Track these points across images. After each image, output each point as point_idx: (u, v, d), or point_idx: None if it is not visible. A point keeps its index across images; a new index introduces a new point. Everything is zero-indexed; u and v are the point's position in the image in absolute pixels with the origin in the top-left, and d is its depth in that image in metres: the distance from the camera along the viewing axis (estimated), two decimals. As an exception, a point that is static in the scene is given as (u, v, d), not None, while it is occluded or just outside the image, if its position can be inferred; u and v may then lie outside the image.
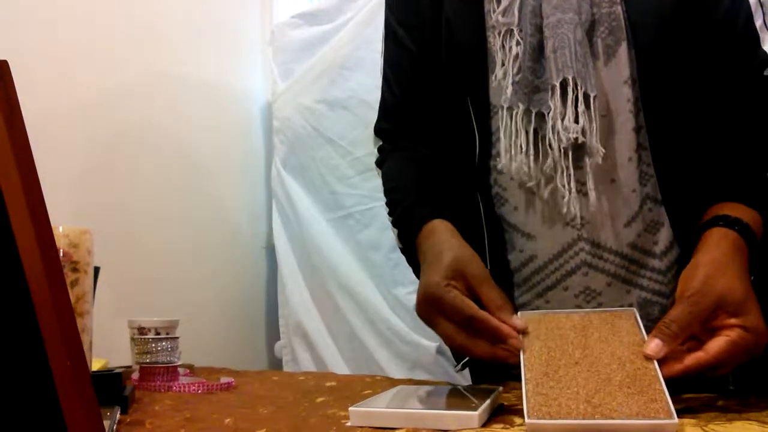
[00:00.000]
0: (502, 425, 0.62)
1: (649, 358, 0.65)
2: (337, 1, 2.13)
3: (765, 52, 0.86)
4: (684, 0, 0.83)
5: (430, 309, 0.76)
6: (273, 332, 2.19)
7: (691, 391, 0.76)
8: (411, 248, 0.87)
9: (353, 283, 1.96)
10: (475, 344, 0.73)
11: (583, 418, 0.58)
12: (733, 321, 0.68)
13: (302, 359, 2.08)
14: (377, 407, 0.65)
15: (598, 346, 0.69)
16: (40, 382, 0.42)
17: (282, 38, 2.24)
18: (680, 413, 0.63)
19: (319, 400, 0.84)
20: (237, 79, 2.20)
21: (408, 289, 1.81)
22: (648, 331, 0.69)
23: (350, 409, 0.65)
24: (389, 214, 0.95)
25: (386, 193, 0.96)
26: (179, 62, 1.93)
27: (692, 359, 0.66)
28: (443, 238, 0.81)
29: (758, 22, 0.86)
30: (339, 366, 1.97)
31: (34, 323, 0.42)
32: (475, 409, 0.61)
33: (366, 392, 0.89)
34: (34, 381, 0.42)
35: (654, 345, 0.66)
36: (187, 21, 1.97)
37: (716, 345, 0.67)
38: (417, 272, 0.87)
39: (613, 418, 0.57)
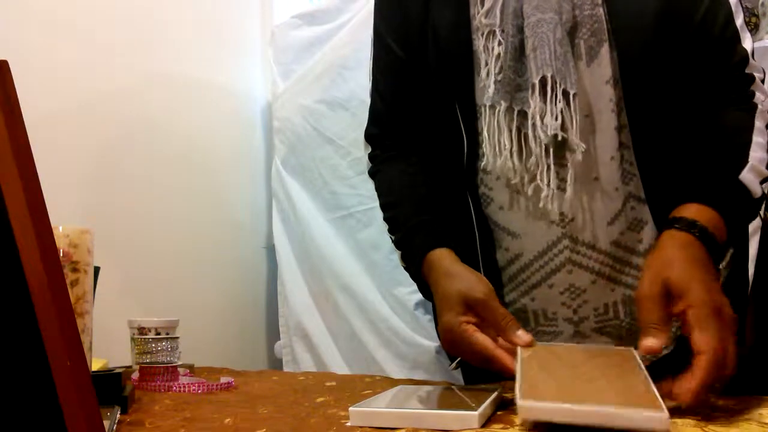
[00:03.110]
0: (501, 425, 0.62)
1: (651, 353, 0.66)
2: (337, 1, 2.13)
3: (744, 49, 0.87)
4: (665, 2, 0.84)
5: (453, 348, 0.81)
6: (273, 332, 2.19)
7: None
8: (415, 271, 0.90)
9: (353, 283, 1.96)
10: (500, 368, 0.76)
11: (575, 403, 0.57)
12: (681, 305, 0.69)
13: (302, 359, 2.08)
14: (377, 407, 0.65)
15: (595, 368, 0.69)
16: (40, 382, 0.42)
17: (282, 38, 2.24)
18: (680, 413, 0.63)
19: (319, 400, 0.84)
20: (237, 80, 2.20)
21: (408, 289, 1.81)
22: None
23: (350, 409, 0.65)
24: (389, 231, 0.96)
25: (382, 207, 0.98)
26: (179, 62, 1.93)
27: (698, 363, 0.65)
28: (446, 270, 0.84)
29: (739, 21, 0.87)
30: (339, 366, 1.97)
31: (34, 323, 0.42)
32: (475, 409, 0.61)
33: (366, 392, 0.89)
34: (34, 381, 0.42)
35: (648, 340, 0.68)
36: (187, 21, 1.97)
37: (696, 340, 0.67)
38: (422, 290, 0.93)
39: (605, 404, 0.56)
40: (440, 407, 0.65)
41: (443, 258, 0.86)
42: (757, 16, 2.17)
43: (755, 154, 0.82)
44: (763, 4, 2.16)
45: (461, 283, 0.80)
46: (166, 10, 1.88)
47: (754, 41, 2.29)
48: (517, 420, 0.64)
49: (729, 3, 0.87)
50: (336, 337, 2.02)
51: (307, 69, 2.15)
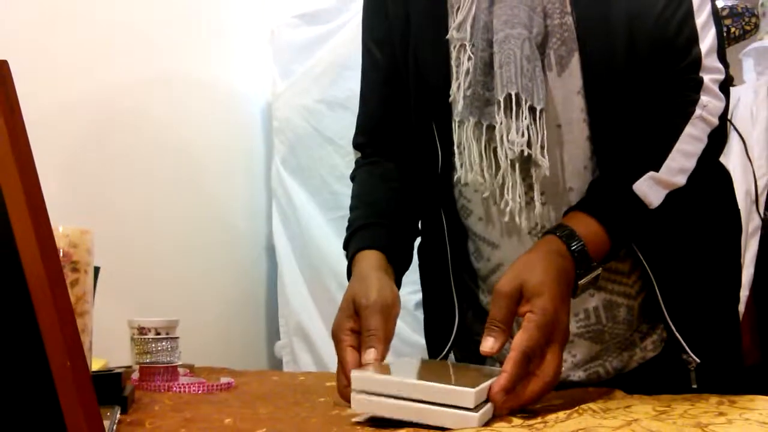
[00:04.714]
0: (505, 423, 0.62)
1: (487, 355, 0.70)
2: (336, 1, 2.13)
3: (699, 50, 0.84)
4: (629, 7, 0.83)
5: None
6: (273, 332, 2.19)
7: (657, 392, 0.77)
8: (347, 271, 0.91)
9: (353, 284, 1.95)
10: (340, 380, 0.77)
11: (399, 376, 0.64)
12: (525, 307, 0.71)
13: (302, 359, 2.08)
14: (378, 394, 0.64)
15: (445, 369, 0.79)
16: (40, 382, 0.41)
17: (282, 38, 2.24)
18: (680, 416, 0.63)
19: (320, 400, 0.84)
20: (237, 79, 2.19)
21: (408, 289, 1.79)
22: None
23: (353, 395, 0.65)
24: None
25: (350, 210, 0.98)
26: (179, 62, 1.93)
27: (508, 360, 0.68)
28: (359, 272, 0.86)
29: (702, 17, 0.84)
30: (339, 366, 1.96)
31: (33, 323, 0.42)
32: (476, 411, 0.61)
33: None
34: (33, 381, 0.42)
35: (488, 342, 0.70)
36: (186, 21, 1.97)
37: (516, 338, 0.69)
38: None
39: (422, 380, 0.63)
40: (442, 400, 0.64)
41: (364, 260, 0.87)
42: (756, 16, 2.17)
43: (672, 163, 0.80)
44: (763, 4, 2.15)
45: (359, 286, 0.82)
46: (165, 10, 1.88)
47: (754, 41, 2.28)
48: (516, 420, 0.64)
49: (690, 1, 0.84)
50: (336, 337, 2.02)
51: (307, 69, 2.15)
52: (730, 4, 2.19)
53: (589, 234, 0.78)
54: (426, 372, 0.76)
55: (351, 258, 0.89)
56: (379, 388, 0.64)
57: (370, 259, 0.87)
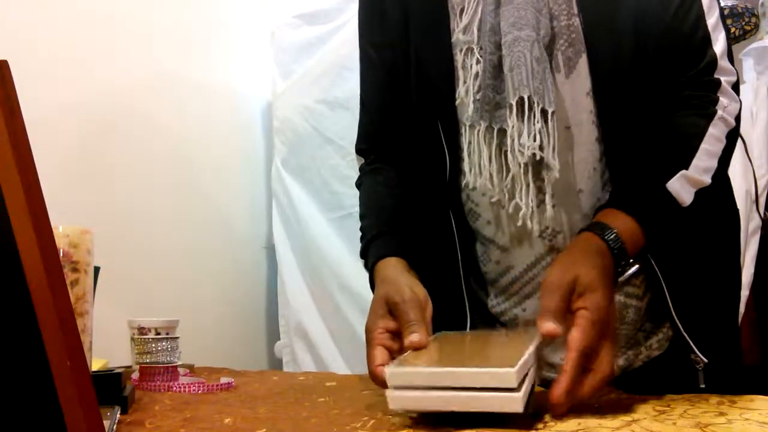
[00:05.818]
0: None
1: (551, 336, 0.68)
2: (337, 1, 2.13)
3: (714, 52, 0.84)
4: (637, 8, 0.83)
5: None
6: (273, 332, 2.19)
7: (665, 392, 0.76)
8: (369, 280, 0.91)
9: (353, 283, 1.96)
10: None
11: (429, 366, 0.62)
12: (579, 303, 0.70)
13: (302, 359, 2.08)
14: (415, 388, 0.62)
15: (484, 343, 0.76)
16: (40, 382, 0.42)
17: (282, 38, 2.24)
18: (680, 416, 0.63)
19: (320, 400, 0.84)
20: (237, 80, 2.20)
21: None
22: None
23: (387, 393, 0.62)
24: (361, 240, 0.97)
25: (360, 218, 0.98)
26: (179, 62, 1.93)
27: (567, 361, 0.66)
28: (383, 277, 0.85)
29: (712, 20, 0.85)
30: (339, 366, 1.97)
31: (33, 323, 0.42)
32: (519, 389, 0.59)
33: (366, 392, 0.89)
34: (34, 381, 0.42)
35: (549, 325, 0.68)
36: (187, 21, 1.97)
37: (572, 337, 0.68)
38: None
39: (457, 366, 0.60)
40: (483, 384, 0.62)
41: (387, 267, 0.86)
42: (757, 16, 2.17)
43: (699, 162, 0.81)
44: (763, 4, 2.15)
45: (388, 287, 0.81)
46: (166, 10, 1.88)
47: (754, 41, 2.28)
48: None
49: (701, 2, 0.85)
50: (336, 337, 2.02)
51: (307, 69, 2.15)
52: (730, 4, 2.20)
53: (625, 231, 0.77)
54: (466, 350, 0.74)
55: (372, 266, 0.89)
56: (416, 381, 0.61)
57: (395, 265, 0.86)
